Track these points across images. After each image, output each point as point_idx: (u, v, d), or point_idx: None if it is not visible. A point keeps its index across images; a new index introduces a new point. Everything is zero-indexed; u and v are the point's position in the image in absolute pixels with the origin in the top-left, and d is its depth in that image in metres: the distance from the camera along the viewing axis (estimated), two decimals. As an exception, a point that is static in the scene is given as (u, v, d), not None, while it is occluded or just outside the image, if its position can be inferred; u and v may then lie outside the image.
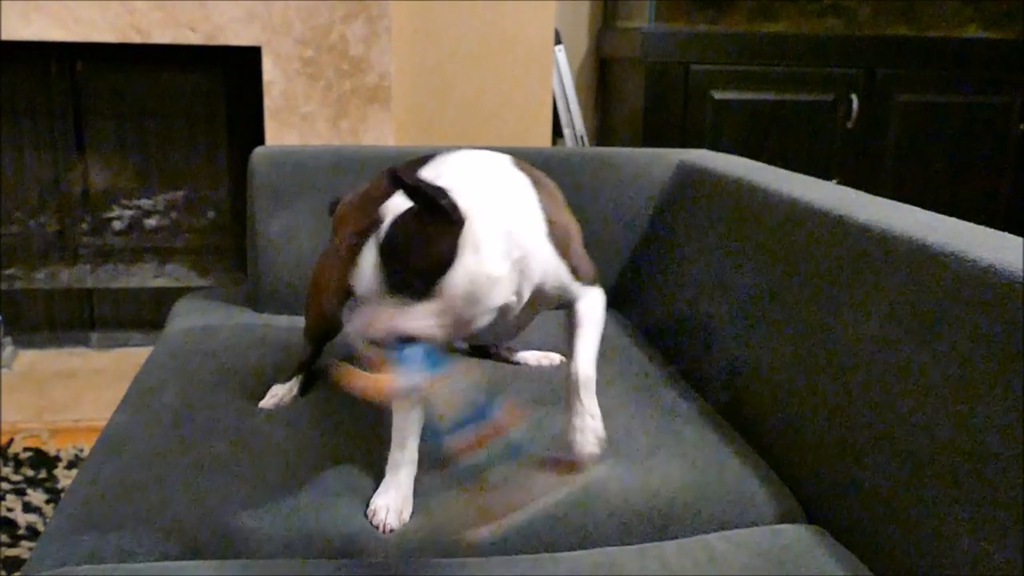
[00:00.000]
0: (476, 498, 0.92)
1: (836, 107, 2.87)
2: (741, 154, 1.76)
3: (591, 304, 1.08)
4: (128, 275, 2.77)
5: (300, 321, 1.36)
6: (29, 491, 1.89)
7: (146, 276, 2.78)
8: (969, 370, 0.87)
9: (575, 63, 3.20)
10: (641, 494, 1.04)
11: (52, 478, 1.95)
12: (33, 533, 1.73)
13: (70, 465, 2.00)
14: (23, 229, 2.71)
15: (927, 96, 2.92)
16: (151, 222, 2.76)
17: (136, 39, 2.41)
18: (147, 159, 2.72)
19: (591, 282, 1.08)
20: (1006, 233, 0.98)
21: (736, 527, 1.02)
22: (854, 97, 2.85)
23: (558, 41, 2.99)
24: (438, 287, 0.87)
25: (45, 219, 2.72)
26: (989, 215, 2.76)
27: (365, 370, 0.86)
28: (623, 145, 2.87)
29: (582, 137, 3.07)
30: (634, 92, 2.88)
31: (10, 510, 1.81)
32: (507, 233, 0.93)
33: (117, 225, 2.75)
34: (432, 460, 1.05)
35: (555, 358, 1.38)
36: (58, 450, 2.07)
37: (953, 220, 1.05)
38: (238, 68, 2.59)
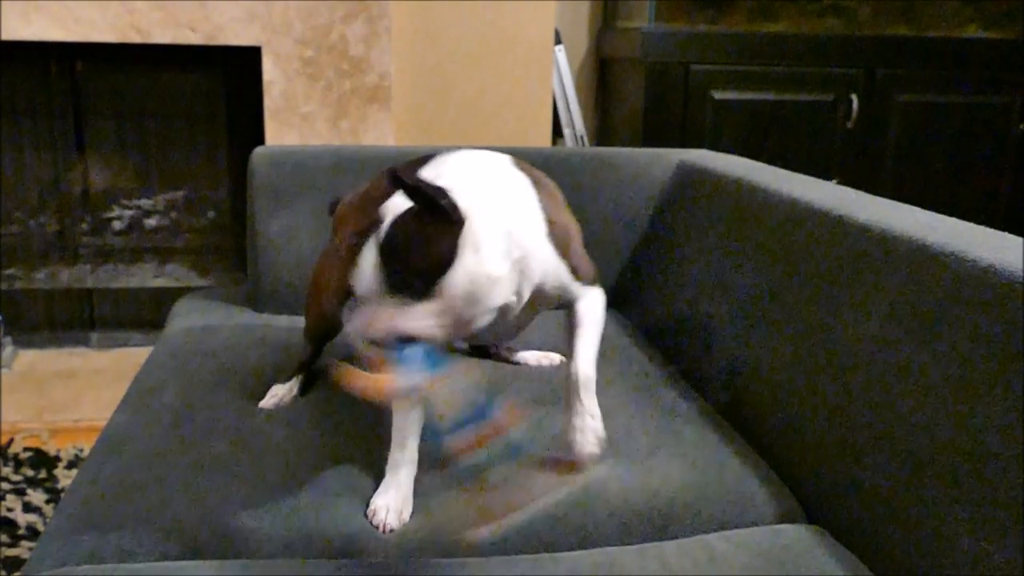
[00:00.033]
0: (476, 498, 0.92)
1: (836, 107, 2.87)
2: (741, 154, 1.76)
3: (591, 304, 1.08)
4: (128, 275, 2.77)
5: (300, 321, 1.36)
6: (29, 491, 1.89)
7: (146, 276, 2.78)
8: (969, 370, 0.87)
9: (575, 63, 3.20)
10: (641, 494, 1.04)
11: (52, 478, 1.95)
12: (33, 533, 1.73)
13: (70, 465, 2.00)
14: (23, 229, 2.71)
15: (927, 96, 2.92)
16: (151, 222, 2.76)
17: (136, 39, 2.41)
18: (147, 159, 2.72)
19: (591, 282, 1.08)
20: (1006, 233, 0.98)
21: (736, 527, 1.02)
22: (854, 97, 2.86)
23: (558, 41, 2.99)
24: (438, 287, 0.87)
25: (45, 219, 2.72)
26: (989, 215, 2.76)
27: (365, 370, 0.86)
28: (623, 145, 2.87)
29: (582, 137, 3.07)
30: (634, 92, 2.89)
31: (10, 510, 1.81)
32: (507, 233, 0.93)
33: (117, 225, 2.75)
34: (432, 460, 1.05)
35: (555, 358, 1.38)
36: (58, 450, 2.07)
37: (953, 220, 1.05)
38: (238, 68, 2.59)
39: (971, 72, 2.93)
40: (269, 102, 2.50)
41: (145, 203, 2.75)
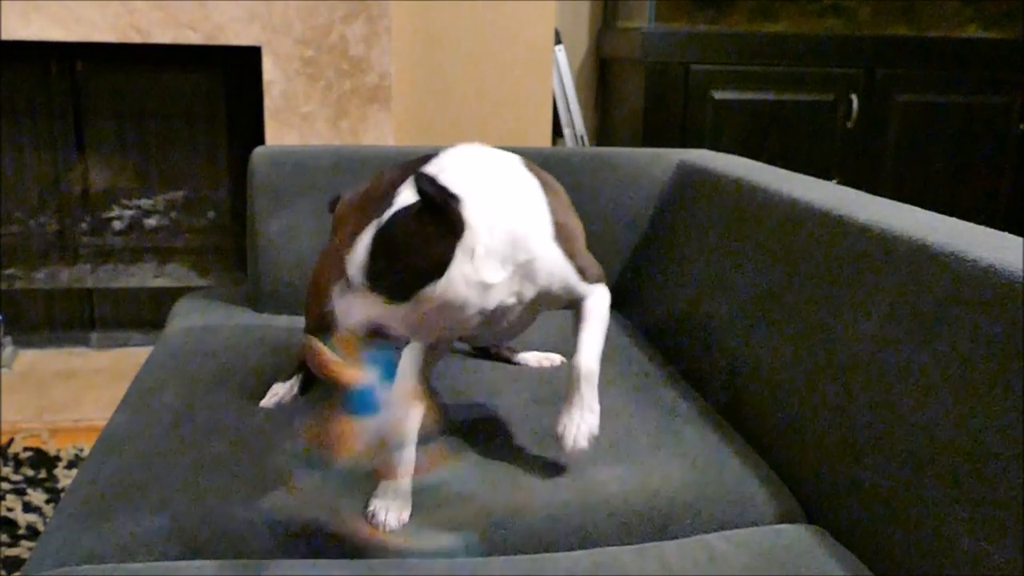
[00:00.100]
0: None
1: (836, 107, 2.87)
2: (741, 154, 1.76)
3: (597, 301, 1.08)
4: (128, 275, 2.77)
5: (300, 321, 1.36)
6: (29, 491, 1.89)
7: (146, 276, 2.78)
8: (969, 370, 0.87)
9: (575, 63, 3.20)
10: (641, 494, 1.04)
11: (52, 478, 1.95)
12: (33, 533, 1.73)
13: (70, 465, 2.00)
14: (23, 229, 2.71)
15: (927, 96, 2.92)
16: (151, 222, 2.76)
17: (136, 39, 2.41)
18: (147, 159, 2.72)
19: (597, 280, 1.08)
20: (1006, 233, 0.98)
21: (736, 527, 1.02)
22: (854, 97, 2.86)
23: (558, 41, 2.99)
24: (417, 295, 0.89)
25: (45, 219, 2.72)
26: (989, 215, 2.76)
27: (335, 351, 0.89)
28: (623, 145, 2.87)
29: (582, 137, 3.07)
30: (634, 92, 2.89)
31: (10, 510, 1.81)
32: (513, 238, 0.94)
33: (117, 225, 2.75)
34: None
35: (556, 359, 1.38)
36: (58, 450, 2.07)
37: (953, 220, 1.05)
38: (238, 68, 2.59)
39: (971, 72, 2.93)
40: (269, 102, 2.50)
41: (145, 203, 2.75)
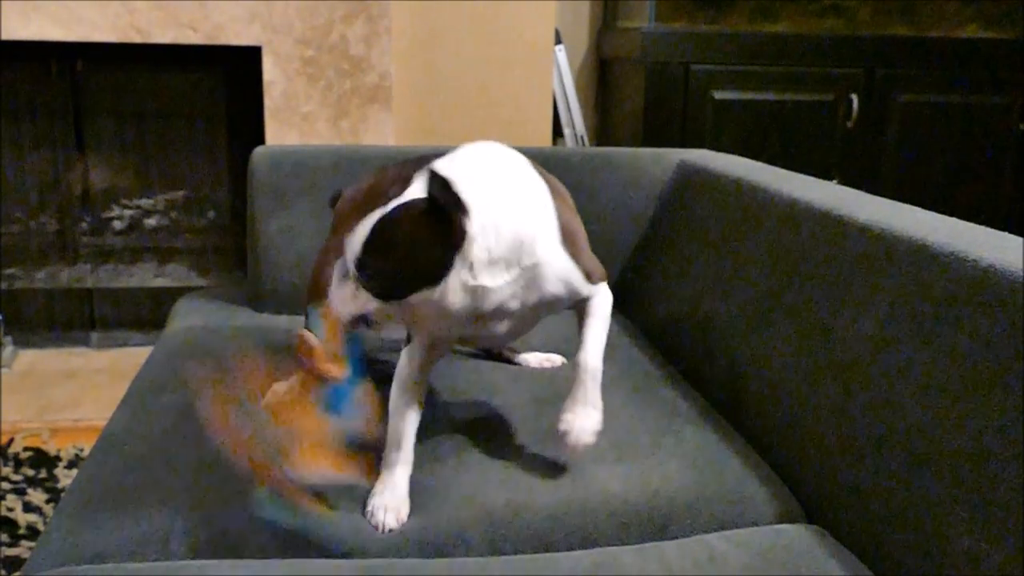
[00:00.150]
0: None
1: (836, 107, 2.87)
2: (741, 154, 1.76)
3: (600, 300, 1.08)
4: (128, 275, 2.77)
5: (300, 321, 1.36)
6: (29, 491, 1.89)
7: (146, 276, 2.78)
8: (969, 370, 0.87)
9: (575, 63, 3.20)
10: (641, 494, 1.04)
11: (52, 478, 1.95)
12: (33, 533, 1.73)
13: (70, 465, 2.00)
14: (23, 229, 2.71)
15: (927, 96, 2.92)
16: (151, 222, 2.76)
17: (136, 39, 2.41)
18: (147, 159, 2.72)
19: (600, 279, 1.08)
20: (1006, 233, 0.98)
21: (736, 527, 1.02)
22: (854, 97, 2.85)
23: (558, 41, 2.99)
24: (408, 298, 0.90)
25: (45, 219, 2.72)
26: (989, 215, 2.76)
27: (319, 329, 0.92)
28: (623, 145, 2.87)
29: (582, 137, 3.07)
30: (634, 92, 2.89)
31: (10, 510, 1.81)
32: (519, 243, 0.94)
33: (117, 225, 2.75)
34: (429, 459, 1.05)
35: (557, 360, 1.38)
36: (58, 450, 2.07)
37: (953, 220, 1.05)
38: (238, 68, 2.59)
39: (971, 72, 2.93)
40: (269, 102, 2.50)
41: (145, 203, 2.75)
